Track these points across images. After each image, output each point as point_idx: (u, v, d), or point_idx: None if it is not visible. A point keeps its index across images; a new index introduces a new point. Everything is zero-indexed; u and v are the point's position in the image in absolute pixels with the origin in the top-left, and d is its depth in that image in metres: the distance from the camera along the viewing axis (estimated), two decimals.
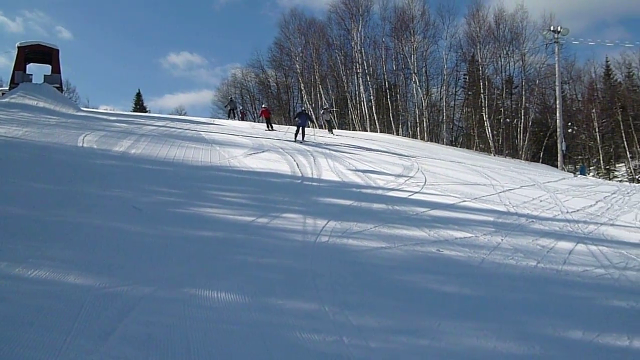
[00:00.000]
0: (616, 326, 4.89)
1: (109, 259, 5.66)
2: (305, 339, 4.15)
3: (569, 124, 43.77)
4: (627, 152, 44.71)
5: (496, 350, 4.25)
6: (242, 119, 37.43)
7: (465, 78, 47.91)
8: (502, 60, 43.68)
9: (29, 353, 3.54)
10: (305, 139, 20.47)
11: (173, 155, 14.00)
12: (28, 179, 9.55)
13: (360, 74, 47.15)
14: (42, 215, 7.23)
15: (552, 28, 35.68)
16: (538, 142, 44.96)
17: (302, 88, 50.92)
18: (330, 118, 28.46)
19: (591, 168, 46.29)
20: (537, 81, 43.59)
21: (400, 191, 11.83)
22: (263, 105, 30.48)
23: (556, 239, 8.41)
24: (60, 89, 30.80)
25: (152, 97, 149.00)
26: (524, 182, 15.56)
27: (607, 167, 45.92)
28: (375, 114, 45.62)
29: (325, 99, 49.10)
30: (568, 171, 33.63)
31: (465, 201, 11.18)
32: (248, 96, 59.28)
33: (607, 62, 51.43)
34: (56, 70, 31.19)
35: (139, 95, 66.81)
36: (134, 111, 55.32)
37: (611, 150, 47.50)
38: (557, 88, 35.60)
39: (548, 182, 16.33)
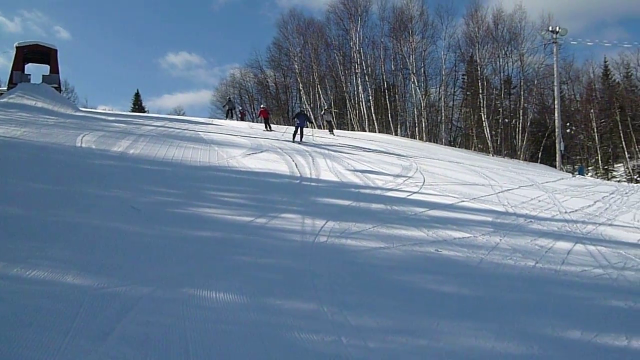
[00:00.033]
0: (614, 326, 4.90)
1: (107, 259, 5.66)
2: (303, 339, 4.15)
3: (568, 124, 43.80)
4: (626, 152, 44.77)
5: (494, 350, 4.25)
6: (242, 119, 37.40)
7: (464, 78, 47.96)
8: (501, 60, 43.78)
9: (28, 353, 3.53)
10: (303, 139, 20.47)
11: (171, 155, 13.99)
12: (26, 179, 9.54)
13: (358, 74, 47.21)
14: (40, 215, 7.23)
15: (550, 28, 35.73)
16: (536, 142, 45.01)
17: (301, 88, 50.97)
18: (331, 118, 28.42)
19: (589, 168, 46.38)
20: (536, 81, 43.67)
21: (398, 191, 11.83)
22: (262, 106, 30.45)
23: (554, 239, 8.42)
24: (58, 89, 30.78)
25: (151, 97, 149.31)
26: (523, 182, 15.58)
27: (606, 167, 46.00)
28: (373, 114, 45.66)
29: (324, 99, 49.11)
30: (566, 171, 33.65)
31: (463, 201, 11.19)
32: (247, 96, 59.29)
33: (605, 62, 51.60)
34: (54, 70, 31.18)
35: (137, 95, 66.80)
36: (133, 111, 55.34)
37: (609, 150, 47.55)
38: (555, 88, 35.64)
39: (546, 182, 16.35)
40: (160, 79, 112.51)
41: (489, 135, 41.51)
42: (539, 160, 41.42)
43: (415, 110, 44.88)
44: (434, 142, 40.25)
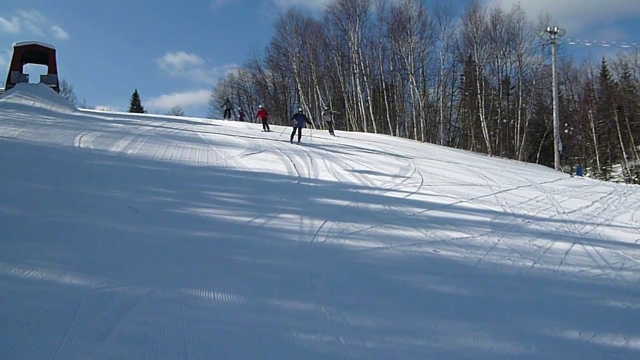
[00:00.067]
0: (612, 326, 4.90)
1: (105, 259, 5.66)
2: (302, 340, 4.15)
3: (566, 124, 43.83)
4: (624, 153, 44.84)
5: (493, 350, 4.26)
6: (241, 119, 37.40)
7: (462, 79, 47.97)
8: (499, 60, 43.78)
9: (26, 353, 3.53)
10: (301, 139, 20.46)
11: (170, 155, 13.98)
12: (24, 179, 9.53)
13: (357, 75, 47.20)
14: (38, 215, 7.22)
15: (548, 29, 35.83)
16: (535, 143, 45.00)
17: (299, 88, 50.97)
18: (331, 119, 28.39)
19: (588, 168, 46.45)
20: (534, 82, 43.68)
21: (397, 192, 11.84)
22: (260, 106, 30.44)
23: (553, 239, 8.43)
24: (56, 89, 30.74)
25: (149, 97, 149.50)
26: (521, 182, 15.59)
27: (604, 167, 46.06)
28: (372, 115, 45.68)
29: (323, 99, 49.14)
30: (564, 172, 33.69)
31: (462, 202, 11.20)
32: (245, 96, 59.35)
33: (603, 62, 51.64)
34: (52, 70, 31.14)
35: (135, 95, 66.72)
36: (131, 111, 55.30)
37: (607, 150, 47.61)
38: (553, 89, 35.72)
39: (545, 182, 16.36)
40: (158, 79, 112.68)
41: (487, 135, 41.53)
42: (537, 161, 41.42)
43: (413, 110, 44.87)
44: (432, 142, 40.27)
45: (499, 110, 43.80)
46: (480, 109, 42.33)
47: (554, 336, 4.63)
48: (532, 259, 7.10)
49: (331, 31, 49.29)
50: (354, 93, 48.10)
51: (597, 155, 46.39)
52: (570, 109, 50.23)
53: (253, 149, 16.92)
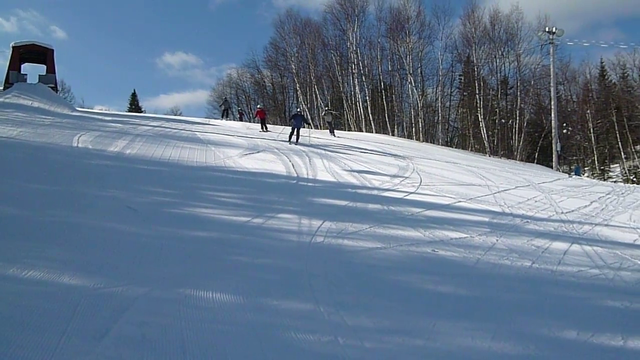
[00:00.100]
0: (610, 326, 4.91)
1: (104, 259, 5.65)
2: (300, 340, 4.15)
3: (564, 124, 43.82)
4: (622, 153, 44.89)
5: (491, 350, 4.26)
6: (241, 119, 37.39)
7: (461, 79, 47.97)
8: (498, 61, 43.74)
9: (23, 353, 3.52)
10: (299, 140, 20.43)
11: (168, 155, 13.97)
12: (23, 179, 9.52)
13: (355, 75, 47.17)
14: (36, 215, 7.21)
15: (547, 29, 35.85)
16: (533, 143, 45.04)
17: (298, 88, 50.96)
18: (332, 119, 28.38)
19: (586, 169, 46.49)
20: (532, 82, 43.66)
21: (395, 192, 11.84)
22: (258, 106, 30.42)
23: (551, 239, 8.44)
24: (55, 88, 30.71)
25: (147, 97, 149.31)
26: (519, 182, 15.60)
27: (602, 167, 46.07)
28: (370, 115, 45.67)
29: (321, 99, 49.13)
30: (563, 172, 33.76)
31: (460, 202, 11.21)
32: (243, 96, 59.29)
33: (601, 63, 51.67)
34: (51, 70, 31.13)
35: (134, 95, 66.79)
36: (129, 111, 55.30)
37: (606, 150, 47.65)
38: (552, 89, 35.77)
39: (543, 182, 16.38)
40: (156, 79, 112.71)
41: (485, 135, 41.53)
42: (535, 161, 41.47)
43: (412, 110, 44.84)
44: (430, 142, 40.28)
45: (497, 110, 43.82)
46: (478, 109, 42.33)
47: (552, 336, 4.63)
48: (531, 259, 7.11)
49: (330, 31, 49.32)
50: (352, 93, 48.10)
51: (596, 155, 46.44)
52: (569, 109, 50.28)
53: (251, 148, 16.92)
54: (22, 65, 31.76)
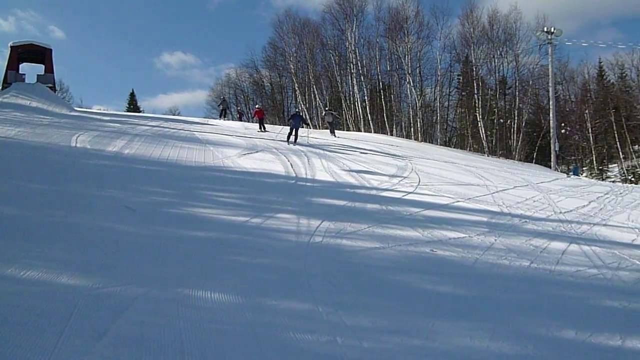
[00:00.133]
0: (609, 326, 4.91)
1: (102, 259, 5.64)
2: (298, 339, 4.15)
3: (562, 124, 43.86)
4: (620, 153, 44.94)
5: (489, 350, 4.26)
6: (240, 119, 37.37)
7: (459, 79, 48.01)
8: (496, 61, 43.82)
9: (21, 354, 3.52)
10: (298, 140, 20.42)
11: (167, 155, 13.96)
12: (21, 179, 9.50)
13: (354, 74, 47.20)
14: (35, 215, 7.20)
15: (545, 29, 35.84)
16: (531, 143, 45.10)
17: (296, 88, 50.95)
18: (332, 119, 28.37)
19: (584, 168, 46.54)
20: (531, 82, 43.73)
21: (394, 191, 11.85)
22: (257, 106, 30.36)
23: (549, 239, 8.44)
24: (53, 88, 30.73)
25: (146, 97, 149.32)
26: (518, 182, 15.61)
27: (600, 167, 46.13)
28: (369, 115, 45.68)
29: (320, 99, 49.11)
30: (561, 172, 33.75)
31: (458, 201, 11.21)
32: (242, 96, 59.28)
33: (600, 63, 51.73)
34: (49, 69, 31.10)
35: (132, 95, 66.69)
36: (128, 111, 55.24)
37: (604, 150, 47.70)
38: (550, 89, 35.77)
39: (541, 182, 16.39)
40: (155, 79, 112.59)
41: (484, 135, 41.58)
42: (533, 161, 41.51)
43: (410, 110, 44.89)
44: (429, 142, 40.31)
45: (495, 110, 43.87)
46: (477, 109, 42.38)
47: (551, 336, 4.63)
48: (529, 259, 7.11)
49: (328, 31, 49.33)
50: (351, 93, 48.09)
51: (594, 155, 46.50)
52: (567, 109, 50.33)
53: (250, 148, 16.92)
54: (21, 65, 31.75)
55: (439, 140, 43.06)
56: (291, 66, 51.03)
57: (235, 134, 21.75)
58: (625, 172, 43.20)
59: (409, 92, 45.17)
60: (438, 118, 45.33)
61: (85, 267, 5.34)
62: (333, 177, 13.23)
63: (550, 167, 33.93)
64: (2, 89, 28.35)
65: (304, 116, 28.78)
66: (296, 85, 50.91)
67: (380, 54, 46.90)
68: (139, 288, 4.84)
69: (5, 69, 30.07)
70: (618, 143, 44.78)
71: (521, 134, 42.44)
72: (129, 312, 4.30)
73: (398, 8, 45.22)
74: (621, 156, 44.91)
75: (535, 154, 43.79)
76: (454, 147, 41.20)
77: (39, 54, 31.27)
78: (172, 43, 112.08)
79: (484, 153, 39.32)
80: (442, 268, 6.59)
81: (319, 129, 34.01)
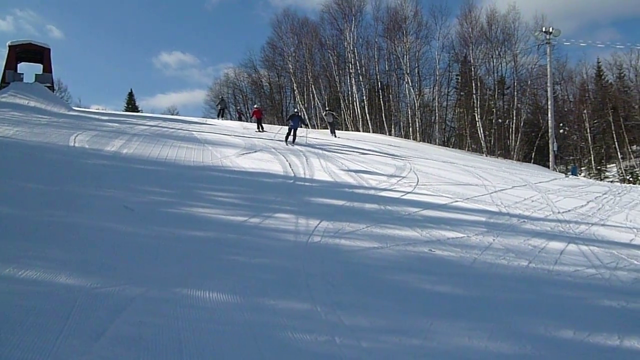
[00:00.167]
0: (607, 326, 4.92)
1: (101, 259, 5.63)
2: (297, 339, 4.15)
3: (561, 124, 43.98)
4: (618, 153, 44.99)
5: (488, 349, 4.26)
6: (240, 119, 37.35)
7: (458, 79, 48.05)
8: (494, 61, 43.86)
9: (20, 354, 3.51)
10: (296, 140, 20.39)
11: (165, 155, 13.95)
12: (19, 178, 9.48)
13: (352, 74, 47.18)
14: (33, 215, 7.18)
15: (543, 29, 35.86)
16: (530, 143, 45.15)
17: (295, 88, 50.91)
18: (332, 120, 28.34)
19: (582, 168, 46.57)
20: (529, 82, 43.79)
21: (392, 191, 11.85)
22: (255, 106, 30.35)
23: (547, 239, 8.46)
24: (51, 88, 30.66)
25: (144, 96, 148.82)
26: (516, 182, 15.63)
27: (599, 167, 46.19)
28: (367, 114, 45.67)
29: (318, 99, 49.10)
30: (559, 171, 33.79)
31: (457, 201, 11.22)
32: (241, 96, 59.24)
33: (598, 63, 51.91)
34: (47, 69, 31.05)
35: (131, 94, 66.72)
36: (126, 111, 55.16)
37: (602, 150, 47.78)
38: (548, 89, 35.79)
39: (540, 182, 16.41)
40: (153, 79, 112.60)
41: (482, 135, 41.61)
42: (532, 161, 41.58)
43: (409, 110, 44.93)
44: (427, 142, 40.32)
45: (494, 110, 43.90)
46: (475, 109, 42.40)
47: (549, 336, 4.64)
48: (527, 259, 7.12)
49: (327, 31, 49.31)
50: (349, 93, 48.11)
51: (592, 155, 46.55)
52: (565, 109, 50.39)
53: (248, 148, 16.91)
54: (19, 65, 31.67)
55: (437, 140, 43.07)
56: (290, 66, 51.02)
57: (234, 133, 21.74)
58: (624, 172, 43.24)
59: (407, 92, 45.19)
60: (436, 118, 45.36)
61: (84, 266, 5.33)
62: (331, 176, 13.23)
63: (548, 167, 33.97)
64: (1, 88, 28.27)
65: (302, 117, 28.71)
66: (295, 85, 50.88)
67: (378, 53, 46.97)
68: (138, 288, 4.84)
69: (3, 68, 29.99)
70: (616, 143, 44.84)
71: (519, 134, 42.50)
72: (128, 312, 4.30)
73: (397, 8, 45.33)
74: (619, 156, 44.96)
75: (533, 154, 43.83)
76: (452, 147, 41.26)
77: (37, 53, 31.22)
78: (170, 43, 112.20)
79: (483, 153, 39.35)
80: (441, 268, 6.59)
81: (318, 129, 33.97)
